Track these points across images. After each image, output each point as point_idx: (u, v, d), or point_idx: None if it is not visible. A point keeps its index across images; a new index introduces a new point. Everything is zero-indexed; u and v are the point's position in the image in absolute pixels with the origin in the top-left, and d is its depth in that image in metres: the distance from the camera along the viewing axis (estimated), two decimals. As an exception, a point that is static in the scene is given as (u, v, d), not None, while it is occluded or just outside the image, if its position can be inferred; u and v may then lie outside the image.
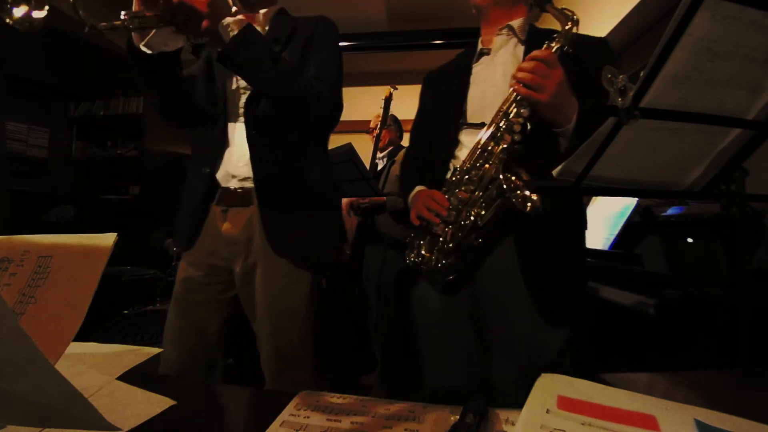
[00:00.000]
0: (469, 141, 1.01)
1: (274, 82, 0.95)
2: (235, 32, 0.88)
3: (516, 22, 1.04)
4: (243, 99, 1.06)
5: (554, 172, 0.68)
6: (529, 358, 0.87)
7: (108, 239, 0.52)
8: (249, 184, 1.05)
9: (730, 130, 0.59)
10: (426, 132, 1.15)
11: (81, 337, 0.47)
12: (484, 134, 0.93)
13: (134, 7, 0.84)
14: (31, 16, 0.73)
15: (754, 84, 0.54)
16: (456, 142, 1.04)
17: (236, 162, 1.06)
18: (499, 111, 0.91)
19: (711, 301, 1.15)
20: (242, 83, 1.07)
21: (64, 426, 0.24)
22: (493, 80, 1.02)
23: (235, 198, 1.06)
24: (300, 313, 1.06)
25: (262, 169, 1.03)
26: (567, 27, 0.88)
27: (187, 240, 1.09)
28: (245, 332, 1.14)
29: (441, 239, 0.95)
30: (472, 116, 1.03)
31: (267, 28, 1.12)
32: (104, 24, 0.80)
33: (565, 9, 0.88)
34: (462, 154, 1.02)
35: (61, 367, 0.45)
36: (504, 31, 1.05)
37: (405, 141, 2.62)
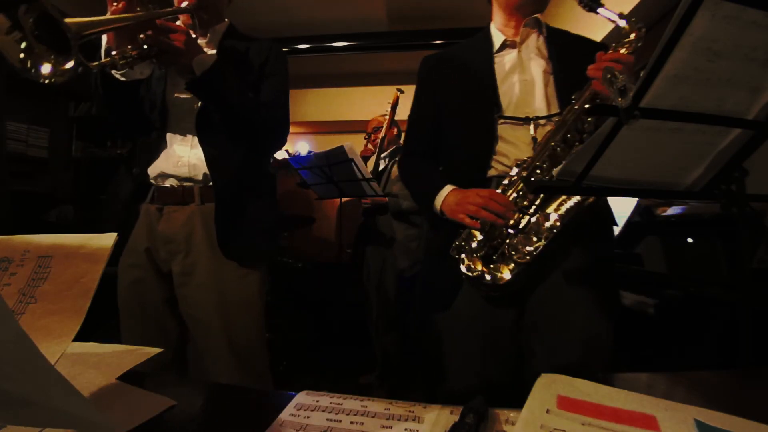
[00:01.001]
0: (510, 136, 0.96)
1: (237, 112, 1.03)
2: (207, 65, 0.96)
3: (539, 16, 1.02)
4: (189, 107, 1.09)
5: (554, 172, 0.68)
6: (590, 358, 0.87)
7: (108, 239, 0.52)
8: (189, 184, 1.07)
9: (730, 130, 0.59)
10: (439, 125, 1.06)
11: (81, 337, 0.47)
12: (553, 133, 0.88)
13: (107, 43, 0.92)
14: (60, 69, 0.79)
15: (754, 84, 0.54)
16: (495, 137, 0.97)
17: (175, 163, 1.07)
18: (571, 110, 0.87)
19: (711, 301, 1.15)
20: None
21: (64, 426, 0.24)
22: (523, 74, 0.99)
23: (174, 196, 1.07)
24: (254, 306, 1.08)
25: (215, 171, 1.06)
26: (632, 36, 0.84)
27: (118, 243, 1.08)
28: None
29: (507, 247, 0.88)
30: (509, 110, 0.97)
31: (218, 45, 1.14)
32: (95, 63, 0.88)
33: (622, 13, 0.85)
34: (506, 149, 0.96)
35: (61, 367, 0.45)
36: (531, 24, 1.02)
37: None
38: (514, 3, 1.01)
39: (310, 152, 2.30)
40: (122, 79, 0.98)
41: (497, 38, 1.04)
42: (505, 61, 1.02)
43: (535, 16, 1.01)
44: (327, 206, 3.98)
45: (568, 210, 0.86)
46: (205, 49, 1.08)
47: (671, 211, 1.57)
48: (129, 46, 0.91)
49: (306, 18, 3.52)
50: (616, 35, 0.86)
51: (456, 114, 1.04)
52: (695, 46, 0.49)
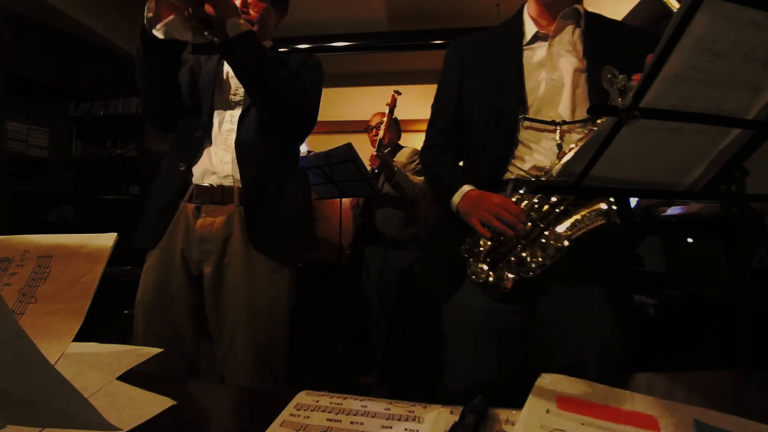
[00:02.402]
0: (531, 139, 0.91)
1: (265, 84, 1.01)
2: (241, 30, 0.96)
3: (579, 7, 0.94)
4: (235, 107, 1.13)
5: (554, 172, 0.68)
6: (601, 369, 0.84)
7: (108, 239, 0.52)
8: (229, 182, 1.07)
9: (730, 130, 0.59)
10: (461, 119, 1.02)
11: (81, 337, 0.47)
12: (578, 143, 0.83)
13: None
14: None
15: (754, 84, 0.54)
16: (516, 140, 0.92)
17: (219, 160, 1.08)
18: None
19: (711, 301, 1.15)
20: (236, 95, 1.13)
21: (64, 426, 0.24)
22: (552, 72, 0.92)
23: (214, 195, 1.07)
24: (280, 309, 1.08)
25: (250, 171, 1.06)
26: None
27: (152, 239, 1.07)
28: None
29: (515, 257, 0.86)
30: (531, 111, 0.91)
31: None
32: None
33: None
34: (525, 153, 0.92)
35: (61, 367, 0.45)
36: (568, 15, 0.94)
37: (403, 141, 2.63)
38: (545, 0, 0.94)
39: (309, 152, 2.30)
40: (161, 36, 0.97)
41: (529, 28, 0.97)
42: (533, 55, 0.95)
43: (574, 6, 0.93)
44: (327, 206, 3.97)
45: (578, 229, 0.83)
46: None
47: (671, 211, 1.57)
48: None
49: (306, 18, 3.52)
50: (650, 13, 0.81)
51: (478, 109, 0.98)
52: (695, 46, 0.49)
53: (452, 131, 1.05)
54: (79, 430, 0.24)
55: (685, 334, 1.19)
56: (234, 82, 1.14)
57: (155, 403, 0.42)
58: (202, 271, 1.06)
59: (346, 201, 2.56)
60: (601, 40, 0.92)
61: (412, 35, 3.68)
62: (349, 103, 4.53)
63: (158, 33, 0.97)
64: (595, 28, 0.94)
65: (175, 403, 0.43)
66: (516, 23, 0.99)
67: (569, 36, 0.94)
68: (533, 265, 0.84)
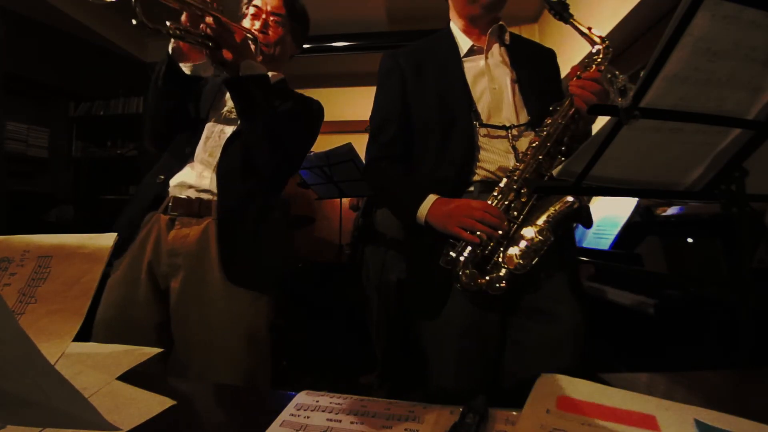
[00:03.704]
0: (487, 144, 0.96)
1: (266, 126, 1.02)
2: (254, 72, 0.99)
3: (503, 23, 1.04)
4: (226, 125, 1.12)
5: (554, 172, 0.68)
6: (575, 354, 0.88)
7: (108, 239, 0.52)
8: (207, 197, 1.03)
9: (730, 130, 0.59)
10: (408, 129, 1.03)
11: (81, 337, 0.47)
12: (540, 144, 0.89)
13: (183, 21, 0.96)
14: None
15: (754, 84, 0.54)
16: (477, 146, 0.96)
17: (198, 173, 1.05)
18: (555, 124, 0.89)
19: (711, 301, 1.15)
20: (231, 113, 1.14)
21: (64, 426, 0.24)
22: (492, 82, 1.00)
23: (191, 207, 1.02)
24: (260, 325, 1.03)
25: (229, 195, 1.03)
26: (602, 54, 0.87)
27: (117, 249, 1.00)
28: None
29: (500, 257, 0.87)
30: (485, 116, 0.97)
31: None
32: (152, 25, 0.89)
33: (591, 29, 0.87)
34: (486, 157, 0.96)
35: (61, 367, 0.45)
36: (496, 31, 1.03)
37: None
38: (470, 15, 1.02)
39: (310, 152, 2.31)
40: (187, 72, 1.02)
41: (463, 42, 1.04)
42: (473, 67, 1.01)
43: (500, 23, 1.02)
44: (327, 206, 3.97)
45: (556, 218, 0.87)
46: None
47: (671, 211, 1.57)
48: (190, 27, 0.94)
49: (306, 18, 3.53)
50: (590, 53, 0.89)
51: (429, 117, 1.00)
52: (695, 46, 0.49)
53: (400, 142, 1.04)
54: (79, 430, 0.24)
55: (685, 334, 1.19)
56: (231, 102, 1.12)
57: (155, 403, 0.42)
58: (169, 285, 1.00)
59: (345, 201, 2.56)
60: (521, 53, 1.04)
61: (412, 35, 3.67)
62: (349, 103, 4.52)
63: (185, 69, 1.01)
64: (517, 44, 1.06)
65: (175, 403, 0.43)
66: (447, 36, 1.07)
67: (497, 50, 1.04)
68: (523, 262, 0.85)
